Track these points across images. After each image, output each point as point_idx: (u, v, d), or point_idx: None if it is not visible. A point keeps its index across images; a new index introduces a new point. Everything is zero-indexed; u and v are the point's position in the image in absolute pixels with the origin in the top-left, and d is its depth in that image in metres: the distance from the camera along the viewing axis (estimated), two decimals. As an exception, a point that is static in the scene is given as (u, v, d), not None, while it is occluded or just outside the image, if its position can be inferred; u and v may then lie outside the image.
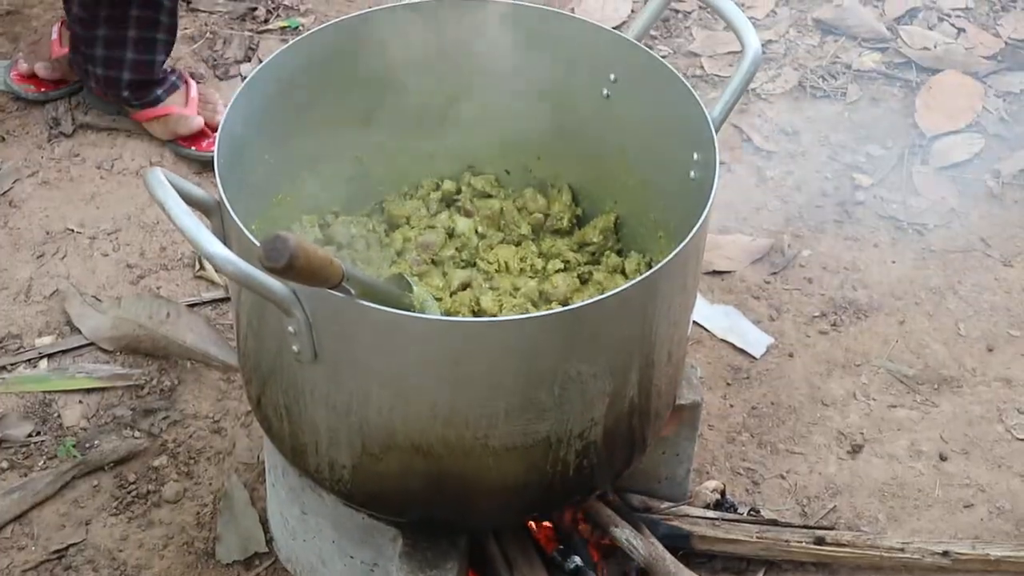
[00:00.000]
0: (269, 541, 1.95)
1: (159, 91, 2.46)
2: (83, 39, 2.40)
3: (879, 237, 2.47)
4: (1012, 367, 2.25)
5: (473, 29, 1.88)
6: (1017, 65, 2.82)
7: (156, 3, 2.35)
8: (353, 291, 1.45)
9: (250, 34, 2.77)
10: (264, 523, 1.96)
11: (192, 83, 2.52)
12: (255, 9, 2.83)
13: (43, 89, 2.57)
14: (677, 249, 1.54)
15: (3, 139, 2.52)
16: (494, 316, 1.82)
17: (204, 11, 2.82)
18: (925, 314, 2.33)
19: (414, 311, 1.65)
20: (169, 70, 2.47)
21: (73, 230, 2.36)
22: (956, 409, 2.19)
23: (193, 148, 2.48)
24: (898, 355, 2.26)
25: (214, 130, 2.48)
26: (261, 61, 2.52)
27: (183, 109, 2.47)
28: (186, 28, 2.77)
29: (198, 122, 2.47)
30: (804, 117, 2.69)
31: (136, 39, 2.38)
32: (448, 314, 1.83)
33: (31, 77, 2.56)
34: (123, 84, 2.43)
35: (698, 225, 1.57)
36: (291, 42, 1.80)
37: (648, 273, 1.53)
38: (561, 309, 1.50)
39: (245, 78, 1.75)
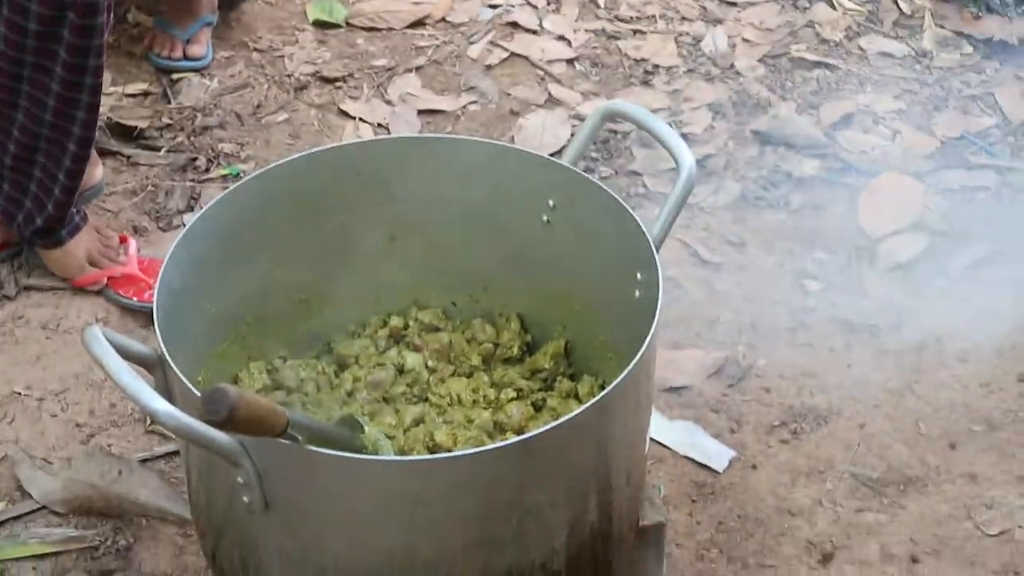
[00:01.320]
0: None
1: (62, 232, 2.45)
2: None
3: (833, 341, 2.46)
4: (976, 463, 2.24)
5: (411, 165, 1.89)
6: (953, 163, 2.85)
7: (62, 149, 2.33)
8: (300, 437, 1.43)
9: (192, 184, 2.77)
10: None
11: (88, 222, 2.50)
12: (195, 159, 2.83)
13: (-16, 253, 2.55)
14: (626, 371, 1.53)
15: (-55, 306, 2.50)
16: (449, 450, 1.80)
17: (144, 164, 2.82)
18: (885, 416, 2.32)
19: (366, 452, 1.63)
20: (74, 210, 2.45)
21: (20, 393, 2.33)
22: (924, 509, 2.17)
23: (134, 298, 2.46)
24: (861, 459, 2.25)
25: (112, 276, 2.48)
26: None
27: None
28: (127, 182, 2.77)
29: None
30: (749, 227, 2.71)
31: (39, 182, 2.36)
32: (402, 452, 1.81)
33: (-30, 242, 2.54)
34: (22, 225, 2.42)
35: (645, 345, 1.56)
36: (227, 190, 1.80)
37: (599, 397, 1.52)
38: (513, 439, 1.49)
39: (185, 228, 1.74)
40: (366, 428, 1.67)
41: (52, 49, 2.19)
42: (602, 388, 1.90)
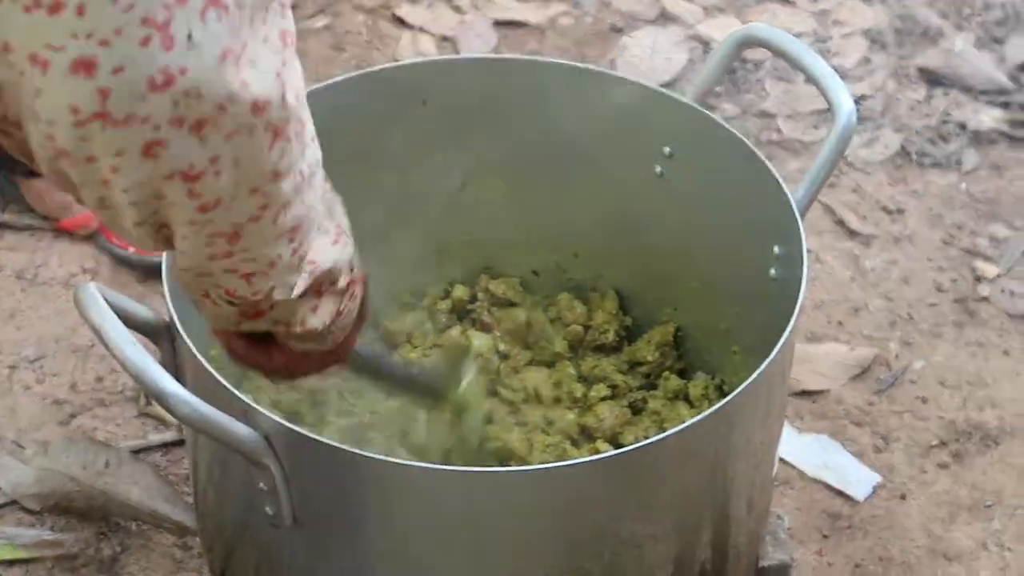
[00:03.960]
0: None
1: None
2: None
3: (1010, 342, 2.45)
4: None
5: (489, 94, 1.90)
6: None
7: None
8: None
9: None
10: None
11: None
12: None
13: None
14: (759, 369, 1.52)
15: (-101, 243, 2.53)
16: (523, 459, 1.82)
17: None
18: (1073, 440, 2.31)
19: (449, 412, 1.68)
20: None
21: (-13, 357, 2.36)
22: (1119, 563, 2.16)
23: (131, 248, 2.47)
24: (1040, 494, 2.24)
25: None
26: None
27: None
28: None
29: None
30: (910, 191, 2.69)
31: None
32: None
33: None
34: None
35: (784, 338, 1.56)
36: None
37: (722, 402, 1.51)
38: (609, 453, 1.49)
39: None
40: (465, 381, 1.69)
41: None
42: (719, 389, 1.92)
